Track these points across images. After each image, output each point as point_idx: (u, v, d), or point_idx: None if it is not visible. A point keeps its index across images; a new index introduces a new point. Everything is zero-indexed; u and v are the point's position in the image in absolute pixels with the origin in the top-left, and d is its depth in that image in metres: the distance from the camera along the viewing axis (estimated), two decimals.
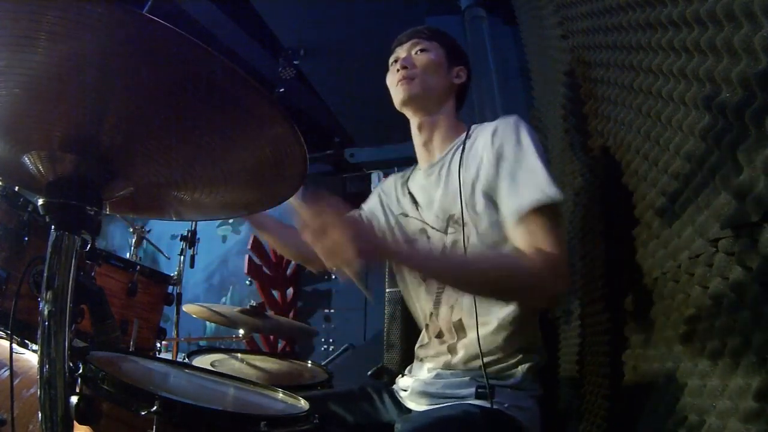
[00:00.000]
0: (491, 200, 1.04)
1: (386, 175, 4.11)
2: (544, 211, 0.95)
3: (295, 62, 3.59)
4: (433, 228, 1.17)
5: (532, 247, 0.94)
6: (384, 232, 0.90)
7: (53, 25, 0.44)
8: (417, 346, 1.23)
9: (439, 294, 1.14)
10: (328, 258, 0.84)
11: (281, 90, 3.62)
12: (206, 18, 3.40)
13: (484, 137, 1.10)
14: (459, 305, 1.09)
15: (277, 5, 3.26)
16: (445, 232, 1.13)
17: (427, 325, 1.19)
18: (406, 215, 1.26)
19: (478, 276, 0.92)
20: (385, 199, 1.34)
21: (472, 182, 1.08)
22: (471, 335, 1.05)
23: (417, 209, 1.22)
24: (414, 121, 1.23)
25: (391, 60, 1.23)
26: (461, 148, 1.14)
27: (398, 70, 1.17)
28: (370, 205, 1.37)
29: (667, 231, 0.85)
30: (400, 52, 1.22)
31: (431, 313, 1.16)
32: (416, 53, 1.19)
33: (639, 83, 0.94)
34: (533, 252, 0.93)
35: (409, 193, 1.25)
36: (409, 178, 1.31)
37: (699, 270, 0.73)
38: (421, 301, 1.20)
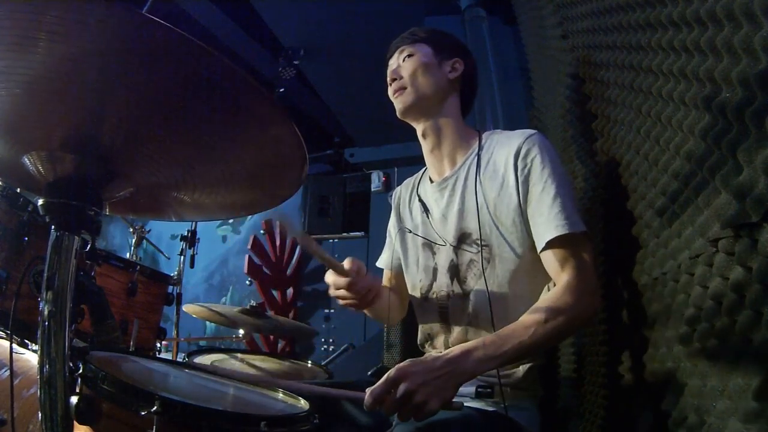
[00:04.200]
0: (514, 223, 1.03)
1: (386, 176, 4.12)
2: (572, 239, 0.96)
3: (295, 62, 3.59)
4: (441, 244, 1.14)
5: (561, 274, 0.95)
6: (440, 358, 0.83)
7: (53, 25, 0.44)
8: (423, 344, 1.21)
9: (447, 315, 1.13)
10: (413, 417, 0.78)
11: (281, 90, 3.62)
12: (206, 18, 3.40)
13: (504, 154, 1.08)
14: (473, 331, 1.07)
15: (277, 5, 3.26)
16: (455, 249, 1.11)
17: (429, 334, 1.18)
18: (411, 231, 1.24)
19: (534, 346, 0.90)
20: (400, 215, 1.32)
21: (494, 202, 1.06)
22: None
23: (428, 219, 1.19)
24: (418, 129, 1.21)
25: (387, 73, 1.23)
26: (476, 160, 1.12)
27: (390, 84, 1.18)
28: (391, 226, 1.35)
29: (667, 231, 0.85)
30: (391, 63, 1.22)
31: (442, 332, 1.14)
32: (403, 61, 1.18)
33: (639, 83, 0.94)
34: (562, 284, 0.94)
35: (420, 201, 1.23)
36: (418, 185, 1.28)
37: (699, 270, 0.73)
38: (428, 320, 1.18)
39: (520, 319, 0.91)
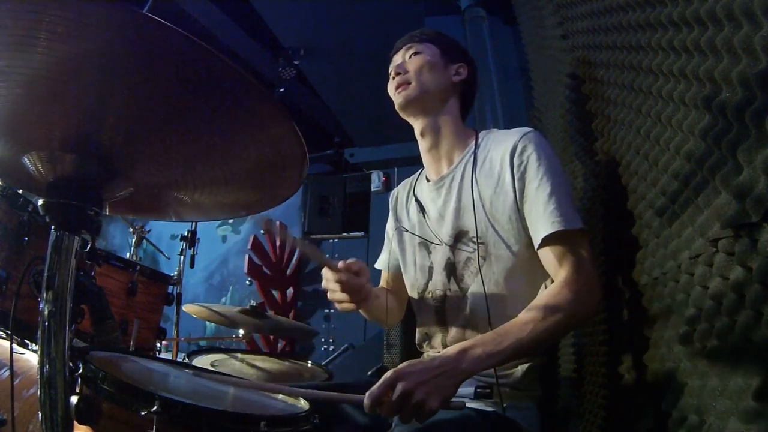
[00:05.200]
0: (510, 220, 1.03)
1: (386, 176, 4.12)
2: (569, 236, 0.95)
3: (295, 62, 3.59)
4: (437, 244, 1.14)
5: (559, 270, 0.94)
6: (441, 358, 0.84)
7: (53, 25, 0.44)
8: (421, 344, 1.22)
9: (443, 314, 1.13)
10: (415, 418, 0.78)
11: (281, 90, 3.62)
12: (206, 18, 3.40)
13: (500, 152, 1.08)
14: (470, 330, 1.07)
15: (277, 5, 3.26)
16: (452, 248, 1.11)
17: (427, 334, 1.18)
18: (407, 230, 1.24)
19: (532, 343, 0.89)
20: (398, 216, 1.32)
21: (489, 200, 1.06)
22: None
23: (425, 218, 1.19)
24: (416, 126, 1.20)
25: (390, 69, 1.23)
26: (472, 159, 1.12)
27: (393, 78, 1.18)
28: (389, 227, 1.36)
29: (667, 231, 0.85)
30: (396, 59, 1.22)
31: (439, 331, 1.14)
32: (409, 57, 1.19)
33: (639, 83, 0.94)
34: (560, 281, 0.93)
35: (417, 201, 1.23)
36: (415, 185, 1.29)
37: (699, 270, 0.73)
38: (425, 320, 1.18)
39: (518, 316, 0.91)
